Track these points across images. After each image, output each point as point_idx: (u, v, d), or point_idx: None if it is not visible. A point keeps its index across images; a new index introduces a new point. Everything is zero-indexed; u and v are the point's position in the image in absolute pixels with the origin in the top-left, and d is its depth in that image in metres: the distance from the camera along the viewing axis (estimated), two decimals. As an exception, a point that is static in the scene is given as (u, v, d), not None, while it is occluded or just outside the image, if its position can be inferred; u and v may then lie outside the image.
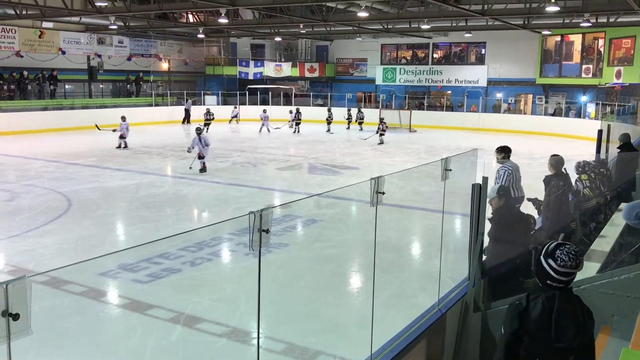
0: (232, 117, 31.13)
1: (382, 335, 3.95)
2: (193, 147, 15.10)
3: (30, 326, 1.80)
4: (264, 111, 27.46)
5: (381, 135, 22.54)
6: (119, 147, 19.40)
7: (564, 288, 2.77)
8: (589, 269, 4.80)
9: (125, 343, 5.65)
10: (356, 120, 28.64)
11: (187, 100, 31.36)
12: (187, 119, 29.98)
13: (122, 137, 19.56)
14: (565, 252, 2.75)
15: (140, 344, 5.65)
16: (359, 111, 29.13)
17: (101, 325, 6.19)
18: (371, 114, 28.82)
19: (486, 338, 4.55)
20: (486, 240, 4.97)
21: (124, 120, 19.76)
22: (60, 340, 5.48)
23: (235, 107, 31.81)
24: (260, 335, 4.40)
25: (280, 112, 30.78)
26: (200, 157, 15.01)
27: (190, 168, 15.13)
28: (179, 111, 30.77)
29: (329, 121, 27.53)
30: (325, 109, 29.65)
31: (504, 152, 7.88)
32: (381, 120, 23.29)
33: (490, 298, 4.81)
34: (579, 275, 4.47)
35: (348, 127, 28.79)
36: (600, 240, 5.77)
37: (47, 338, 5.12)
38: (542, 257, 2.79)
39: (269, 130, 26.45)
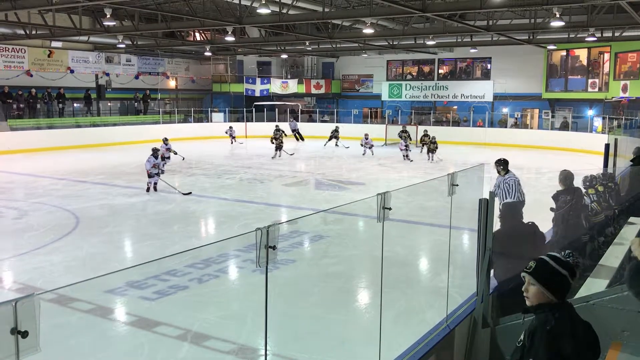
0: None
1: (390, 352, 3.92)
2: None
3: (39, 344, 1.80)
4: (230, 128, 28.90)
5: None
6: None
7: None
8: (599, 283, 4.76)
9: (132, 361, 5.63)
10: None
11: (291, 120, 31.80)
12: (300, 137, 30.22)
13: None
14: None
15: (148, 362, 5.63)
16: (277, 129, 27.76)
17: (109, 343, 6.18)
18: (377, 130, 29.03)
19: (495, 354, 4.51)
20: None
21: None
22: (68, 358, 5.47)
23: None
24: (267, 353, 4.38)
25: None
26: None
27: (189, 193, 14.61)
28: (185, 128, 31.04)
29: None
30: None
31: (505, 164, 8.04)
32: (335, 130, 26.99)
33: (499, 314, 4.78)
34: (589, 290, 4.44)
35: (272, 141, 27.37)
36: (609, 254, 5.73)
37: (55, 356, 5.11)
38: None
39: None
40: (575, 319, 2.53)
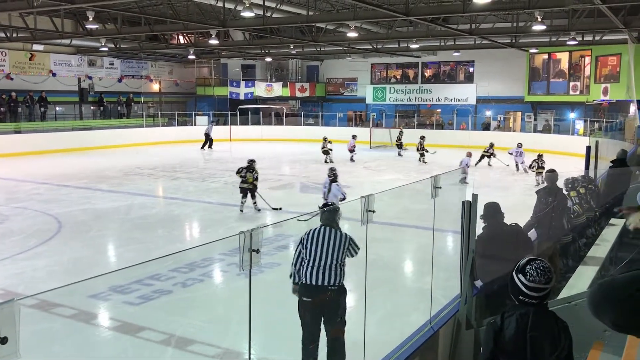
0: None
1: (375, 354, 3.93)
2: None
3: (19, 350, 1.78)
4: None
5: None
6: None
7: (538, 304, 2.73)
8: (581, 284, 4.82)
9: (116, 366, 5.58)
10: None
11: (212, 122, 29.67)
12: (209, 144, 27.41)
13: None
14: (534, 267, 2.71)
15: (132, 367, 5.58)
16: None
17: (92, 348, 6.12)
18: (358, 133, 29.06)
19: (479, 356, 4.54)
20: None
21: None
22: (50, 364, 5.41)
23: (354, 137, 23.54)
24: (252, 357, 4.36)
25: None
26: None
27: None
28: (169, 132, 30.81)
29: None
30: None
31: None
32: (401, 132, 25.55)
33: (482, 315, 4.81)
34: (571, 291, 4.49)
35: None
36: (590, 255, 5.80)
37: (37, 362, 5.06)
38: (514, 273, 2.77)
39: None
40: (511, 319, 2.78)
